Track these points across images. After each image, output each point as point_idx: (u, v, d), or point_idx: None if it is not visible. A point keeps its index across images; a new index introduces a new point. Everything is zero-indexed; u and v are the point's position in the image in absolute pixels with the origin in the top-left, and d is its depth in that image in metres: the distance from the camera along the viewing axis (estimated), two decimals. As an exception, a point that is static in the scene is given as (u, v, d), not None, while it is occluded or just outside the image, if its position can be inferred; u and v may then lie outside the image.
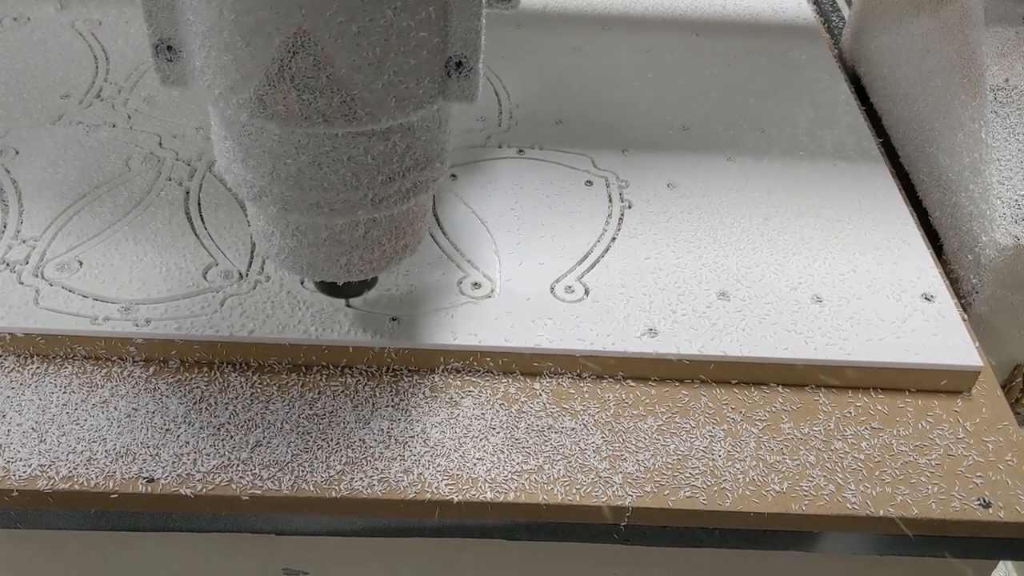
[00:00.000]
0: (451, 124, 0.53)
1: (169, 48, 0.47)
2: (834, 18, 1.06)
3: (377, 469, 0.55)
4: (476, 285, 0.64)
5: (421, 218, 0.56)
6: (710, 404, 0.60)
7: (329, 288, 0.58)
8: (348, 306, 0.62)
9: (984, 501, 0.56)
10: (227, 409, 0.58)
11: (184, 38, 0.47)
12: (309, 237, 0.53)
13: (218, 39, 0.45)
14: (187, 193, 0.70)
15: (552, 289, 0.65)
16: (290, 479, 0.54)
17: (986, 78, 0.72)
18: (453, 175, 0.74)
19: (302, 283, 0.63)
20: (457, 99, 0.48)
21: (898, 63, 0.87)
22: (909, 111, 0.84)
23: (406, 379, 0.60)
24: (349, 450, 0.56)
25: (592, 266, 0.67)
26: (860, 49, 0.96)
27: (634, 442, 0.58)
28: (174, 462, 0.55)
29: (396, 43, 0.45)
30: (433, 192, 0.56)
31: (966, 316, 0.65)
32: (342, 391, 0.59)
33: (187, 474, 0.54)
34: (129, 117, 0.78)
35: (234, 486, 0.54)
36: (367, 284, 0.59)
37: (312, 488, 0.54)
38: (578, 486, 0.55)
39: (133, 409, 0.58)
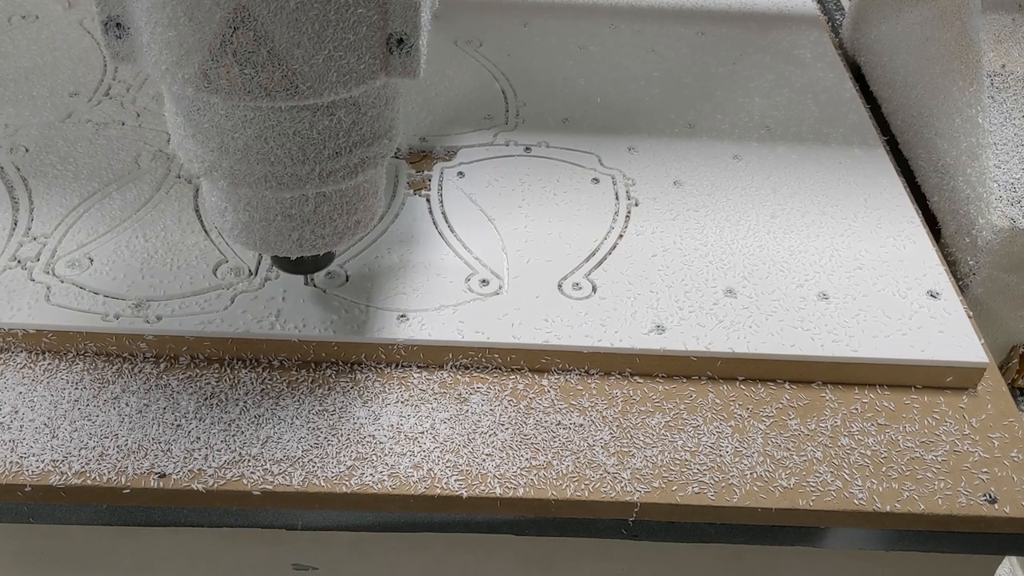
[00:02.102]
0: (400, 101, 0.54)
1: (118, 25, 0.48)
2: (838, 16, 1.06)
3: (387, 464, 0.56)
4: (484, 282, 0.65)
5: (373, 195, 0.57)
6: (717, 400, 0.61)
7: (285, 263, 0.59)
8: (307, 283, 0.62)
9: (990, 497, 0.56)
10: (238, 405, 0.58)
11: (131, 15, 0.47)
12: (260, 211, 0.54)
13: (162, 15, 0.45)
14: (197, 190, 0.71)
15: (560, 286, 0.65)
16: (300, 474, 0.55)
17: (983, 64, 0.72)
18: (460, 173, 0.74)
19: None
20: (400, 75, 0.49)
21: (897, 51, 0.87)
22: (908, 98, 0.84)
23: (415, 375, 0.61)
24: (359, 445, 0.56)
25: (599, 263, 0.67)
26: (860, 38, 0.97)
27: (642, 438, 0.58)
28: (185, 457, 0.55)
29: (335, 19, 0.45)
30: (383, 168, 0.57)
31: (971, 313, 0.65)
32: (352, 387, 0.60)
33: (198, 469, 0.55)
34: (138, 115, 0.79)
35: (245, 481, 0.54)
36: (322, 260, 0.59)
37: (322, 483, 0.54)
38: (586, 482, 0.55)
39: (144, 405, 0.58)
